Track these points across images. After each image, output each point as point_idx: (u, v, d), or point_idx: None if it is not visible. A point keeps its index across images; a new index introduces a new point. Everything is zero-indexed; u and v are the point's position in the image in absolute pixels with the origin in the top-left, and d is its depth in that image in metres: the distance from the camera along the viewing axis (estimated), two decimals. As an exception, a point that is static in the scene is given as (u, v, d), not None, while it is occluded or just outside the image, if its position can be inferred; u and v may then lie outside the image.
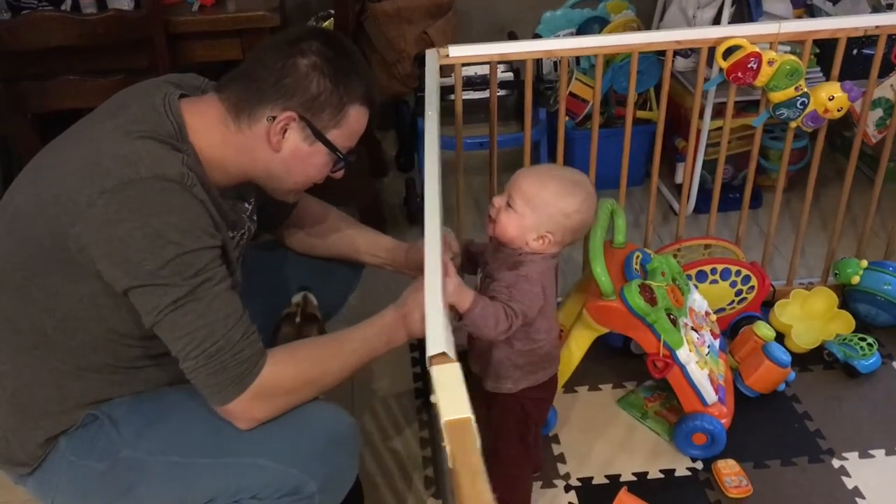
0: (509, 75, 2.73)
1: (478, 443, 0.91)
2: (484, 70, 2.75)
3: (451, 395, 0.96)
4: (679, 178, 2.79)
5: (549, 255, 1.58)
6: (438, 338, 1.04)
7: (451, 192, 2.06)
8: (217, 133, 1.34)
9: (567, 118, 2.87)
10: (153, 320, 1.25)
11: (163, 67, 2.08)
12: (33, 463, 1.39)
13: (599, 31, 2.75)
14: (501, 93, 2.75)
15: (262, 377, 1.29)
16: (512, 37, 2.88)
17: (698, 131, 2.59)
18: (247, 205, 1.51)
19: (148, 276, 1.22)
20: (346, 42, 1.40)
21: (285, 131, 1.33)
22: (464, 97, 2.72)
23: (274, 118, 1.31)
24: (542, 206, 1.53)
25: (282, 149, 1.34)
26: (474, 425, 0.93)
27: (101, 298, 1.29)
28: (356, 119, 1.38)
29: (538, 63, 2.75)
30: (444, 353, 1.02)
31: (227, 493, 1.34)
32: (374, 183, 2.86)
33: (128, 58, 2.12)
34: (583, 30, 2.81)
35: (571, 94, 2.75)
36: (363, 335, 1.44)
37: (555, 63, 2.94)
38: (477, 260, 1.70)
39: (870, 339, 2.12)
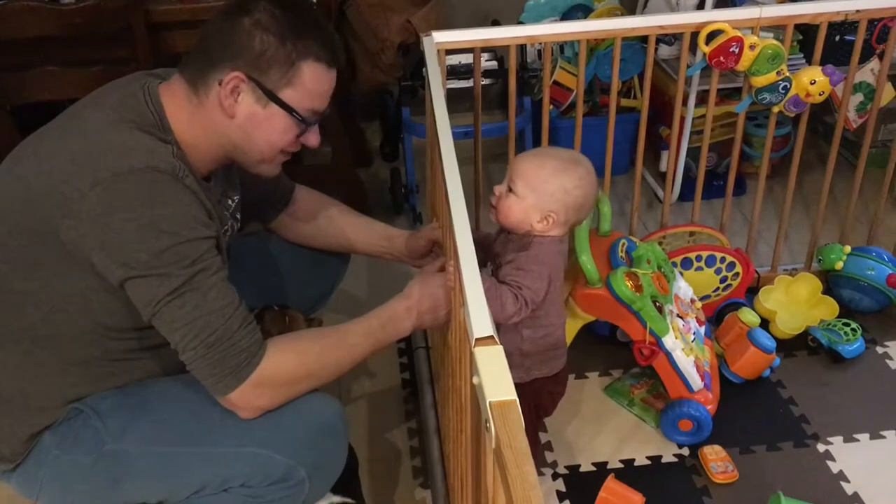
0: (493, 64, 2.72)
1: (522, 424, 0.92)
2: (467, 59, 2.74)
3: (495, 377, 0.96)
4: (663, 166, 2.79)
5: (557, 237, 1.57)
6: (483, 320, 1.04)
7: (433, 181, 2.06)
8: (185, 113, 1.32)
9: (551, 107, 2.86)
10: (151, 311, 1.25)
11: (143, 58, 2.06)
12: (17, 459, 1.38)
13: (584, 19, 2.74)
14: (485, 82, 2.73)
15: (262, 367, 1.29)
16: (496, 24, 2.87)
17: (682, 118, 2.59)
18: (230, 201, 1.50)
19: (144, 267, 1.22)
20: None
21: (237, 95, 1.30)
22: (448, 86, 2.73)
23: (221, 81, 1.29)
24: (541, 185, 1.54)
25: (236, 114, 1.31)
26: (518, 407, 0.94)
27: (91, 291, 1.28)
28: (312, 77, 1.32)
29: (522, 51, 2.74)
30: (490, 337, 1.02)
31: (216, 482, 1.34)
32: (359, 173, 2.85)
33: (107, 48, 2.10)
34: (567, 17, 2.79)
35: (555, 83, 2.74)
36: (367, 326, 1.44)
37: (539, 51, 2.93)
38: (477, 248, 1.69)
39: (854, 325, 2.13)
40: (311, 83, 1.33)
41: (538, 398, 1.66)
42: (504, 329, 1.57)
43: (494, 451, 0.91)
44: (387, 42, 2.50)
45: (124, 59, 2.06)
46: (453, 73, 2.66)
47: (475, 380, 0.98)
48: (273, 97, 1.31)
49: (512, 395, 0.94)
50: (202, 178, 1.36)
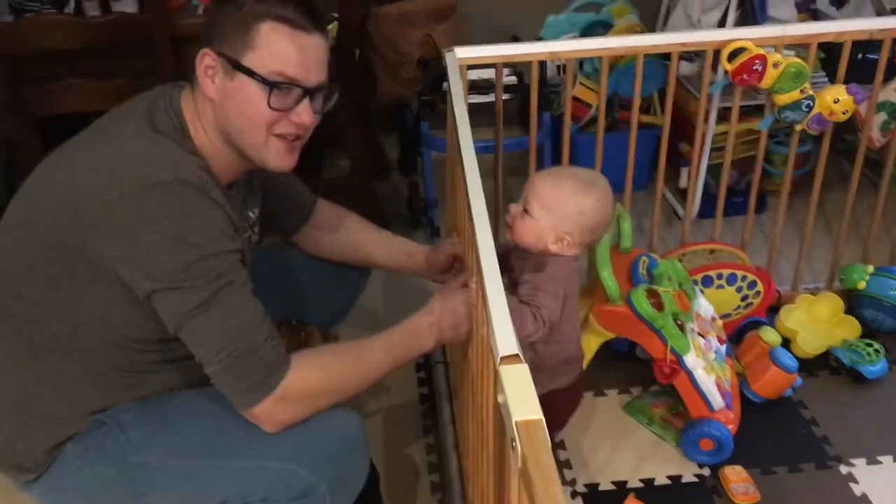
0: (513, 79, 2.73)
1: (549, 444, 0.91)
2: (487, 74, 2.75)
3: (521, 396, 0.96)
4: (683, 183, 2.78)
5: (572, 256, 1.57)
6: (508, 339, 1.04)
7: (453, 196, 2.06)
8: (192, 114, 1.32)
9: (571, 122, 2.86)
10: (177, 324, 1.25)
11: (167, 70, 2.07)
12: (39, 469, 1.38)
13: (604, 35, 2.74)
14: (505, 97, 2.74)
15: (286, 381, 1.29)
16: (515, 41, 2.87)
17: (703, 135, 2.58)
18: (250, 213, 1.50)
19: (171, 280, 1.22)
20: None
21: (213, 76, 1.29)
22: (470, 101, 2.73)
23: (199, 66, 1.29)
24: (558, 206, 1.53)
25: (214, 95, 1.29)
26: (545, 427, 0.93)
27: (117, 303, 1.28)
28: (274, 38, 1.26)
29: (542, 67, 2.75)
30: (515, 355, 1.01)
31: (238, 496, 1.33)
32: (377, 186, 2.85)
33: (131, 61, 2.12)
34: (586, 34, 2.80)
35: (574, 99, 2.75)
36: (389, 342, 1.43)
37: (558, 67, 2.94)
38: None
39: (876, 345, 2.11)
40: (274, 44, 1.27)
41: (553, 410, 1.64)
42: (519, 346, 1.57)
43: (521, 470, 0.90)
44: (407, 56, 2.51)
45: (148, 71, 2.07)
46: (473, 87, 2.66)
47: (500, 398, 0.98)
48: (237, 65, 1.27)
49: (538, 414, 0.93)
50: (225, 188, 1.36)
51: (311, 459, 1.32)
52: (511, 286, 1.60)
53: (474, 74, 2.69)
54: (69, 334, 1.31)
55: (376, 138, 2.98)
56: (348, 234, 1.73)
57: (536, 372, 1.58)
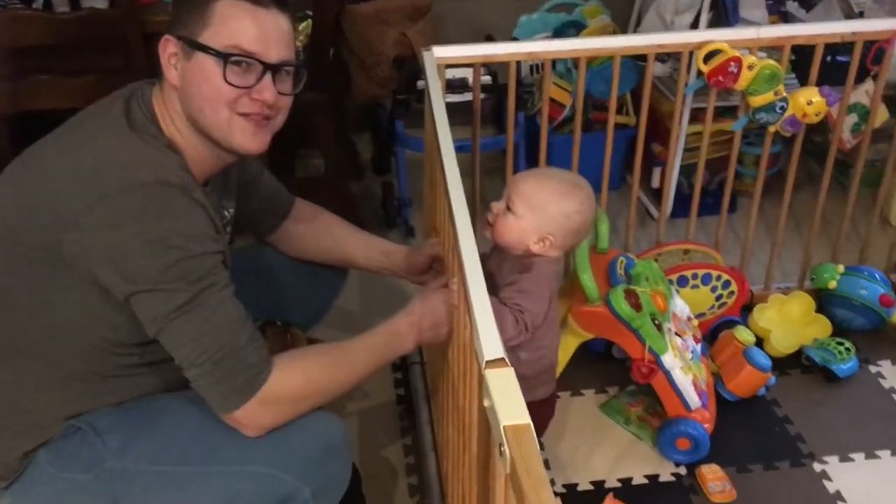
0: (487, 79, 2.72)
1: (538, 449, 0.90)
2: (462, 73, 2.74)
3: (508, 401, 0.95)
4: (655, 183, 2.79)
5: (554, 259, 1.57)
6: (493, 342, 1.03)
7: (432, 196, 2.05)
8: (163, 109, 1.30)
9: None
10: (157, 327, 1.22)
11: (139, 67, 2.04)
12: (11, 476, 1.35)
13: (576, 36, 2.75)
14: (482, 96, 2.74)
15: (269, 384, 1.27)
16: (489, 40, 2.86)
17: (677, 136, 2.60)
18: (226, 213, 1.48)
19: (151, 282, 1.20)
20: None
21: (175, 62, 1.27)
22: (447, 100, 2.72)
23: (162, 54, 1.27)
24: (541, 206, 1.53)
25: (178, 82, 1.28)
26: (534, 432, 0.92)
27: (94, 306, 1.25)
28: (230, 13, 1.25)
29: (518, 67, 2.74)
30: (501, 359, 1.00)
31: (220, 502, 1.30)
32: (351, 186, 2.83)
33: (102, 58, 2.08)
34: (559, 34, 2.81)
35: (550, 99, 2.74)
36: (371, 343, 1.42)
37: (532, 66, 2.94)
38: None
39: (847, 344, 2.14)
40: (231, 19, 1.25)
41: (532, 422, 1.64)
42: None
43: (510, 476, 0.89)
44: (382, 55, 2.49)
45: (119, 68, 2.04)
46: (447, 87, 2.65)
47: (486, 402, 0.97)
48: (193, 43, 1.26)
49: (526, 418, 0.92)
50: (202, 185, 1.33)
51: (293, 464, 1.30)
52: (490, 288, 1.59)
53: (448, 73, 2.69)
54: (45, 337, 1.28)
55: (350, 138, 2.96)
56: (326, 233, 1.71)
57: (519, 381, 1.59)
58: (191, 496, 1.30)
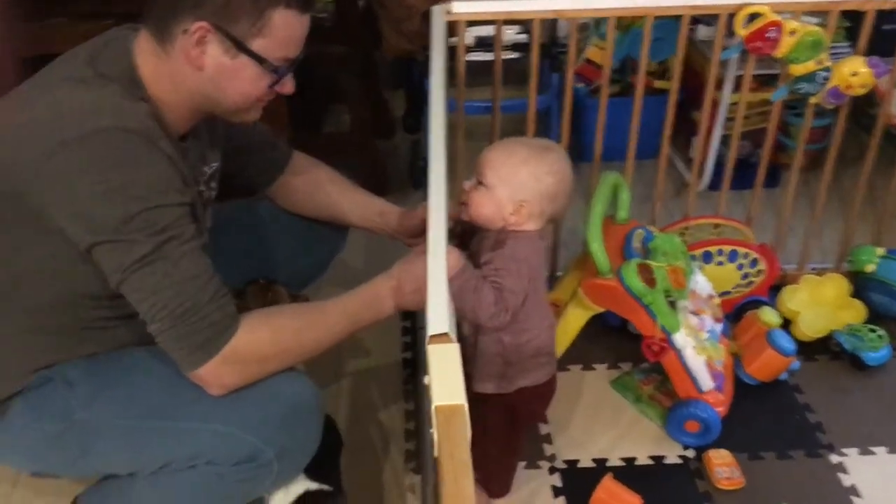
0: (523, 37, 2.62)
1: (468, 433, 0.86)
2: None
3: (445, 379, 0.90)
4: (694, 153, 2.68)
5: (534, 233, 1.49)
6: (440, 316, 0.98)
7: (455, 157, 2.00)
8: (153, 66, 1.26)
9: (581, 85, 2.77)
10: (119, 279, 1.20)
11: (156, 14, 2.00)
12: (-14, 425, 1.35)
13: (621, -5, 2.62)
14: (514, 55, 2.65)
15: (233, 343, 1.24)
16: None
17: (715, 103, 2.48)
18: (206, 168, 1.44)
19: (111, 232, 1.17)
20: None
21: (203, 45, 1.23)
22: (475, 58, 2.64)
23: (187, 31, 1.21)
24: (511, 173, 1.46)
25: (204, 66, 1.24)
26: (466, 414, 0.87)
27: (61, 257, 1.23)
28: (284, 25, 1.24)
29: (554, 25, 2.64)
30: (445, 334, 0.95)
31: (182, 458, 1.30)
32: (380, 144, 2.78)
33: (121, 2, 2.04)
34: (603, -8, 2.69)
35: (587, 61, 2.65)
36: (347, 306, 1.38)
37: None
38: (469, 234, 1.62)
39: (880, 331, 2.02)
40: (283, 31, 1.25)
41: (517, 410, 1.58)
42: (484, 335, 1.50)
43: (436, 459, 0.84)
44: (413, 9, 2.42)
45: (136, 14, 2.00)
46: (482, 44, 2.57)
47: (426, 379, 0.92)
48: (243, 48, 1.23)
49: (460, 399, 0.87)
50: (178, 139, 1.30)
51: (257, 424, 1.28)
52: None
53: (485, 31, 2.60)
54: (11, 286, 1.27)
55: (381, 94, 2.90)
56: (320, 189, 1.67)
57: (506, 366, 1.53)
58: (154, 451, 1.30)
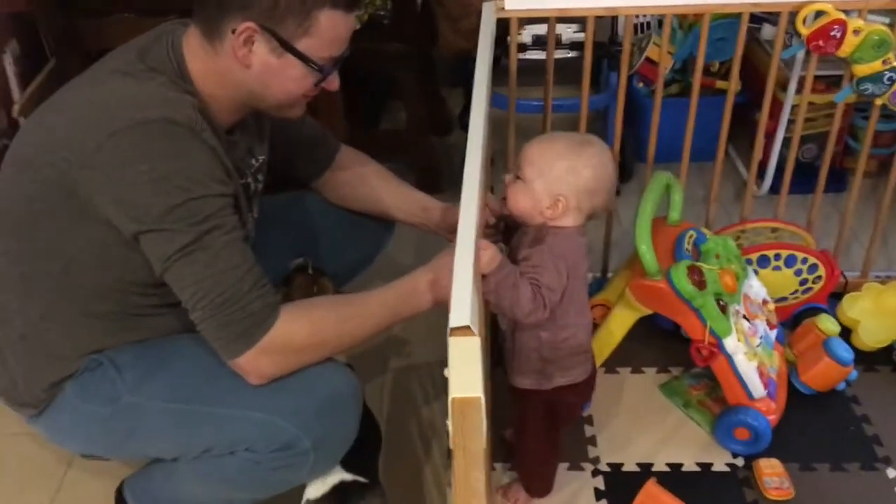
0: (582, 36, 2.60)
1: (483, 427, 0.85)
2: (557, 29, 2.64)
3: (464, 371, 0.90)
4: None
5: (574, 229, 1.48)
6: (463, 309, 0.97)
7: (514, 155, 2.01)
8: (201, 62, 1.29)
9: (642, 84, 2.73)
10: (162, 268, 1.23)
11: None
12: (40, 405, 1.40)
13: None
14: (572, 54, 2.63)
15: (272, 333, 1.26)
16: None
17: (780, 104, 2.42)
18: (254, 160, 1.46)
19: (154, 221, 1.20)
20: None
21: (251, 44, 1.25)
22: (533, 57, 2.63)
23: (235, 31, 1.24)
24: (548, 166, 1.45)
25: (251, 64, 1.27)
26: (483, 407, 0.87)
27: (108, 245, 1.27)
28: (330, 25, 1.27)
29: (614, 24, 2.61)
30: (467, 327, 0.95)
31: (223, 444, 1.33)
32: (437, 142, 2.78)
33: (186, -1, 2.10)
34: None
35: (648, 60, 2.61)
36: (385, 299, 1.39)
37: (636, 25, 2.80)
38: (514, 231, 1.61)
39: (946, 343, 1.94)
40: (329, 31, 1.27)
41: (555, 408, 1.56)
42: (522, 331, 1.49)
43: (451, 450, 0.84)
44: (470, 7, 2.41)
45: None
46: (540, 42, 2.56)
47: (446, 372, 0.91)
48: (289, 48, 1.26)
49: (477, 392, 0.86)
50: (225, 132, 1.33)
51: (295, 413, 1.29)
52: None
53: (541, 29, 2.58)
54: (63, 273, 1.30)
55: (438, 91, 2.90)
56: (365, 183, 1.68)
57: (543, 363, 1.52)
58: (197, 435, 1.33)
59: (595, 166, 1.46)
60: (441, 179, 2.60)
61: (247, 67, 1.27)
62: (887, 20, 1.92)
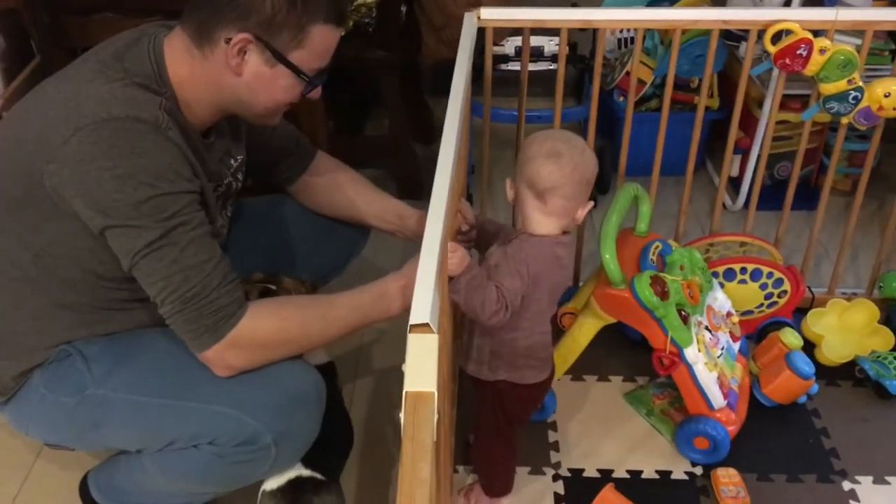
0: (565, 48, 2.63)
1: (433, 422, 0.88)
2: (539, 41, 2.68)
3: (420, 367, 0.93)
4: (734, 171, 2.65)
5: (550, 239, 1.47)
6: (424, 307, 1.01)
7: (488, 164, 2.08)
8: (185, 66, 1.31)
9: (622, 98, 2.76)
10: (129, 263, 1.26)
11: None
12: (7, 393, 1.43)
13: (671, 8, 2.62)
14: (554, 66, 2.67)
15: (239, 328, 1.29)
16: (574, 6, 2.77)
17: (756, 121, 2.46)
18: (232, 161, 1.49)
19: (121, 217, 1.23)
20: None
21: (244, 54, 1.28)
22: (514, 68, 2.67)
23: (230, 40, 1.26)
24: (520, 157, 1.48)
25: (243, 73, 1.30)
26: (435, 402, 0.90)
27: (78, 238, 1.29)
28: (321, 39, 1.31)
29: (594, 38, 2.64)
30: (426, 324, 0.98)
31: (186, 437, 1.35)
32: (421, 150, 2.81)
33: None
34: (653, 5, 2.68)
35: (628, 74, 2.64)
36: (355, 301, 1.42)
37: (618, 40, 2.84)
38: (490, 240, 1.63)
39: (907, 360, 1.97)
40: (320, 44, 1.32)
41: (504, 401, 1.58)
42: (475, 323, 1.51)
43: (401, 441, 0.88)
44: (453, 17, 2.46)
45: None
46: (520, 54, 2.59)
47: (403, 367, 0.95)
48: (282, 59, 1.30)
49: (431, 387, 0.90)
50: (200, 134, 1.35)
51: (258, 409, 1.32)
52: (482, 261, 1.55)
53: (533, 41, 2.61)
54: (33, 265, 1.33)
55: (423, 99, 2.93)
56: (339, 190, 1.71)
57: (491, 356, 1.54)
58: (161, 428, 1.35)
59: (541, 155, 1.43)
60: (422, 187, 2.63)
61: (237, 76, 1.31)
62: (859, 41, 1.96)
